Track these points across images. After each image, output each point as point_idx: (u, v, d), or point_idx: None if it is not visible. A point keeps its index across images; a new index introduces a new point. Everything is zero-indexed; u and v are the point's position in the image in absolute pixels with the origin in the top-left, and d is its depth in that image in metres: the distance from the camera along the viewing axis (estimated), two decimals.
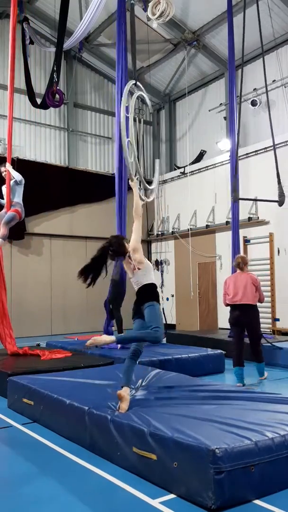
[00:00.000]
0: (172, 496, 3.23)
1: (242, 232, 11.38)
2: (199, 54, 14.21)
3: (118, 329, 8.69)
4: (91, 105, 15.78)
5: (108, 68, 15.55)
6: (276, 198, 9.08)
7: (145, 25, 12.18)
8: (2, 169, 7.70)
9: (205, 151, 14.90)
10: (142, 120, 16.40)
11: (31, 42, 12.75)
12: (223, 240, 13.19)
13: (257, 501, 3.12)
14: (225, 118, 13.90)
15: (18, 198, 7.57)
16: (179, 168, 15.59)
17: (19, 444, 4.46)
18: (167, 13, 10.54)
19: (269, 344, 8.22)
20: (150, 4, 10.64)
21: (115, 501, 3.26)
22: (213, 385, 5.26)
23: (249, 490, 3.11)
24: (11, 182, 7.56)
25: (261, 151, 12.30)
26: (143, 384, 5.20)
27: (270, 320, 11.87)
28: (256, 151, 12.58)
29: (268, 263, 12.05)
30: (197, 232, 14.03)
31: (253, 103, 12.94)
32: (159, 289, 5.57)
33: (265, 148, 12.06)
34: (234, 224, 10.28)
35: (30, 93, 12.41)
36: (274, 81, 12.45)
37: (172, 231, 15.23)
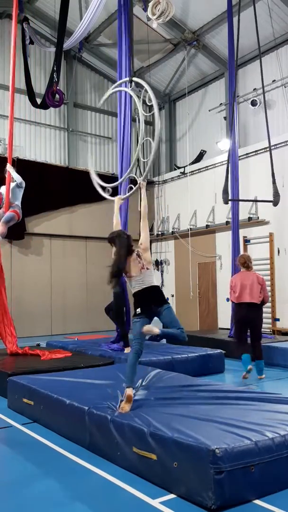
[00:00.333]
0: (172, 496, 3.23)
1: (242, 232, 11.39)
2: (199, 54, 14.20)
3: (124, 344, 8.09)
4: (91, 105, 15.77)
5: (108, 68, 15.55)
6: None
7: (145, 25, 12.18)
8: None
9: (205, 151, 14.89)
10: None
11: (31, 42, 12.73)
12: (223, 240, 13.19)
13: (257, 501, 3.12)
14: (225, 118, 13.90)
15: (18, 201, 7.58)
16: (179, 168, 15.58)
17: (19, 444, 4.46)
18: (167, 13, 10.53)
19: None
20: (150, 4, 10.62)
21: (115, 501, 3.26)
22: (213, 385, 5.25)
23: (249, 490, 3.11)
24: (12, 184, 7.55)
25: (261, 151, 12.28)
26: (143, 384, 5.20)
27: (270, 320, 11.87)
28: (256, 151, 12.58)
29: (268, 263, 12.04)
30: (197, 232, 14.03)
31: (253, 103, 12.91)
32: None
33: (265, 148, 11.99)
34: (234, 224, 10.30)
35: (30, 93, 12.40)
36: (274, 81, 12.44)
37: (172, 231, 15.23)
